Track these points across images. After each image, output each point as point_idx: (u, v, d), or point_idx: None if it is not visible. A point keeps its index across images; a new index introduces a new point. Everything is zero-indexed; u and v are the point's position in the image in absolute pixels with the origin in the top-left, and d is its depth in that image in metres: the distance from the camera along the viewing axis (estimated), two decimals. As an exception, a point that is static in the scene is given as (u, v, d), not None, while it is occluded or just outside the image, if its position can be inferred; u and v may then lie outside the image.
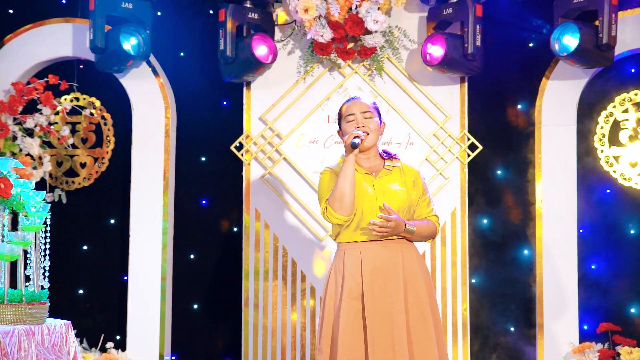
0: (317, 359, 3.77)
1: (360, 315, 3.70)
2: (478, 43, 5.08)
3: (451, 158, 5.41)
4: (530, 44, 5.49)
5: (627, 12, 5.20)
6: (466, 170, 5.40)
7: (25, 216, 3.45)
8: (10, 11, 5.86)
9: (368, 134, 3.78)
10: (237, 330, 5.54)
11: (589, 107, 5.41)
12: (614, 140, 5.37)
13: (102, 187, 5.78)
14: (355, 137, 3.70)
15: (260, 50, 5.26)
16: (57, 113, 5.62)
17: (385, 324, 3.67)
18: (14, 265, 3.50)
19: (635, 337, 5.16)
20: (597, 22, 4.92)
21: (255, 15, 5.29)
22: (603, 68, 5.25)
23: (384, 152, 3.93)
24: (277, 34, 5.50)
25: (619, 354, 5.10)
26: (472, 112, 5.45)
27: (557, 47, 5.01)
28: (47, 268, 3.53)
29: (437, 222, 3.94)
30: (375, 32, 5.24)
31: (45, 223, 3.51)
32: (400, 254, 3.77)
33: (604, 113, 5.38)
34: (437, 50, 5.13)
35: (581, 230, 5.35)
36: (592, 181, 5.40)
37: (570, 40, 4.95)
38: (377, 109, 3.90)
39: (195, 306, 5.73)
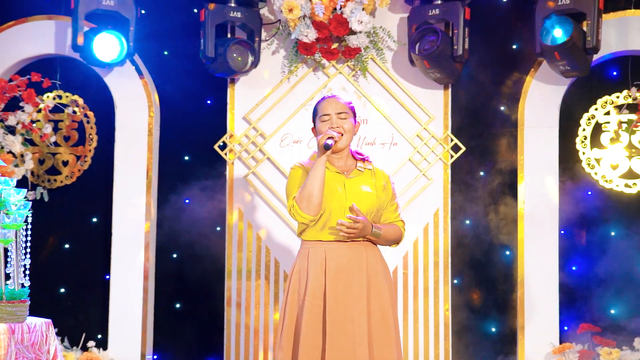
0: (277, 356, 3.75)
1: (321, 315, 3.69)
2: (466, 45, 5.11)
3: (434, 159, 5.42)
4: (514, 46, 5.51)
5: (609, 14, 5.23)
6: (449, 171, 5.42)
7: (6, 214, 3.43)
8: (-7, 8, 5.84)
9: (342, 135, 3.76)
10: (219, 330, 5.53)
11: (572, 109, 5.44)
12: (595, 142, 5.41)
13: (85, 185, 5.76)
14: (328, 138, 3.67)
15: (235, 61, 5.25)
16: (39, 111, 5.60)
17: (347, 324, 3.65)
18: (-6, 263, 3.48)
19: (614, 338, 5.19)
20: (583, 24, 4.94)
21: (239, 14, 5.28)
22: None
23: (357, 153, 3.91)
24: (263, 33, 5.49)
25: (598, 355, 5.13)
26: (456, 114, 5.47)
27: (546, 37, 4.96)
28: (27, 266, 3.52)
29: (403, 227, 3.94)
30: (360, 32, 5.25)
31: (26, 221, 3.49)
32: (365, 255, 3.76)
33: (586, 115, 5.42)
34: (428, 42, 5.10)
35: (562, 232, 5.38)
36: (573, 183, 5.43)
37: (560, 33, 4.92)
38: (352, 109, 3.86)
39: (178, 305, 5.72)
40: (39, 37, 5.63)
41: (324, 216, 3.73)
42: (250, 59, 5.31)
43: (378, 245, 3.88)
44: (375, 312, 3.72)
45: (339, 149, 3.78)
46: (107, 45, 5.29)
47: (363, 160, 3.89)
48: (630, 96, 5.34)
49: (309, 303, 3.70)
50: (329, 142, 3.65)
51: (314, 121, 3.89)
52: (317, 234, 3.77)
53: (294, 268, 3.82)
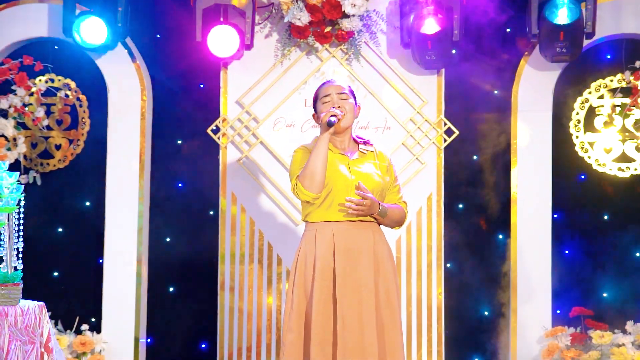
0: (287, 338, 3.75)
1: (331, 295, 3.72)
2: (463, 31, 5.11)
3: (428, 143, 5.42)
4: (508, 29, 5.51)
5: (603, -2, 5.24)
6: (442, 155, 5.42)
7: (-1, 197, 3.43)
8: (-16, -10, 5.79)
9: (345, 115, 3.80)
10: (212, 314, 5.53)
11: (565, 93, 5.44)
12: (589, 126, 5.42)
13: (77, 169, 5.74)
14: (332, 116, 3.72)
15: (219, 45, 5.21)
16: (31, 94, 5.57)
17: (355, 304, 3.70)
18: (-13, 247, 3.48)
19: (606, 322, 5.22)
20: (582, 7, 4.93)
21: (227, -3, 5.24)
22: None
23: (358, 137, 3.97)
24: (256, 17, 5.46)
25: (590, 338, 5.15)
26: (449, 97, 5.47)
27: (551, 15, 4.94)
28: (20, 249, 3.51)
29: (406, 208, 3.99)
30: (353, 16, 5.23)
31: (19, 204, 3.49)
32: (372, 236, 3.81)
33: (579, 99, 5.42)
34: (434, 24, 5.04)
35: (555, 216, 5.39)
36: (567, 167, 5.44)
37: (566, 13, 4.91)
38: (352, 92, 3.92)
39: (171, 289, 5.72)
40: (31, 19, 5.59)
41: (330, 195, 3.76)
42: (238, 42, 5.26)
43: (382, 227, 3.91)
44: (381, 293, 3.76)
45: (341, 128, 3.83)
46: (95, 29, 5.25)
47: (365, 143, 3.95)
48: (624, 80, 5.34)
49: (318, 284, 3.72)
50: (332, 119, 3.70)
51: (314, 106, 3.92)
52: (324, 213, 3.79)
53: (300, 251, 3.85)
